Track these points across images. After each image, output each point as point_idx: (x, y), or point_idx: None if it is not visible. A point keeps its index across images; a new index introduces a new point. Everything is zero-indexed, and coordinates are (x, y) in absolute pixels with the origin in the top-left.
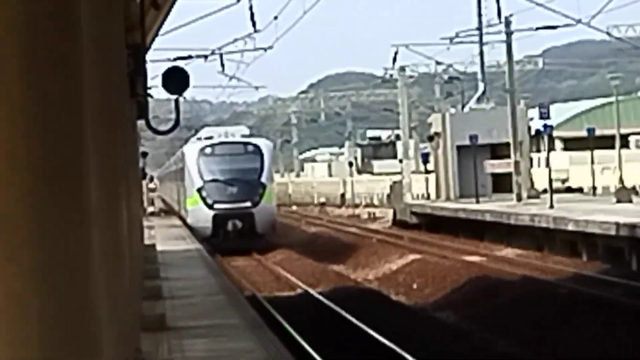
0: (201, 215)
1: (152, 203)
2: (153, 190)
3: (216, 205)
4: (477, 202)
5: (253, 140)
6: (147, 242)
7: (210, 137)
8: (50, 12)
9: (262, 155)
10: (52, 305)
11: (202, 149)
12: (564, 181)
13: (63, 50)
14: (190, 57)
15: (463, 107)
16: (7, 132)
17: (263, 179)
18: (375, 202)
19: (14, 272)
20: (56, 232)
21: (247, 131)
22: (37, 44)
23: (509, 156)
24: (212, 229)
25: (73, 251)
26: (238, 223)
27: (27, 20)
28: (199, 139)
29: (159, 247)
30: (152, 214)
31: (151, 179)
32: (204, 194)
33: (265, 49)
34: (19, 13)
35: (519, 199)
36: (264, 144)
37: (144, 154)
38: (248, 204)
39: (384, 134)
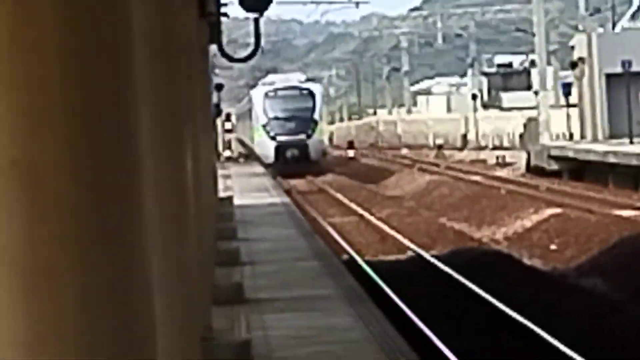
0: (265, 146)
1: (228, 146)
2: (230, 130)
3: (278, 138)
4: (631, 142)
5: (307, 84)
6: (221, 195)
7: (273, 83)
8: None
9: (314, 97)
10: (90, 276)
11: (266, 93)
12: None
13: None
14: None
15: (614, 25)
16: (40, 70)
17: (315, 117)
18: (505, 143)
19: (42, 236)
20: (95, 186)
21: (303, 77)
22: None
23: None
24: (274, 157)
25: (117, 210)
26: (295, 152)
27: None
28: (264, 84)
29: (236, 201)
30: (229, 159)
31: (227, 117)
32: (267, 128)
33: None
34: None
35: None
36: (316, 87)
37: (219, 87)
38: (303, 136)
39: (516, 60)
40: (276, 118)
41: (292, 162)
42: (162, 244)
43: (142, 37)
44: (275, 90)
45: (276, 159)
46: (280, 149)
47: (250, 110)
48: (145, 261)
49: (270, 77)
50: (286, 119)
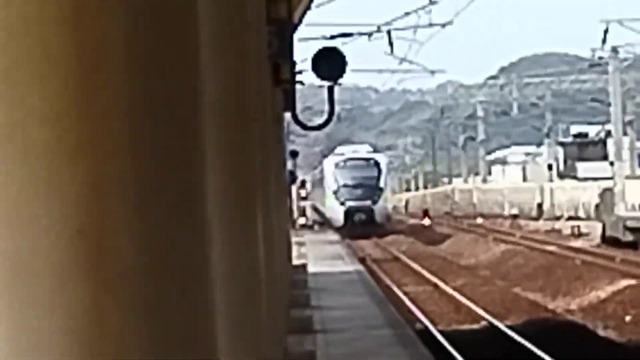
0: (336, 211)
1: (303, 213)
2: (305, 197)
3: (347, 203)
4: None
5: (373, 155)
6: (295, 262)
7: (343, 154)
8: None
9: (379, 167)
10: (155, 343)
11: (337, 162)
12: None
13: (174, 27)
14: (350, 34)
15: None
16: (108, 137)
17: (380, 184)
18: (581, 214)
19: (108, 304)
20: (161, 255)
21: (370, 149)
22: (137, 25)
23: None
24: (344, 220)
25: (185, 278)
26: (362, 216)
27: None
28: (335, 154)
29: (310, 269)
30: (304, 226)
31: (302, 184)
32: (337, 195)
33: (443, 25)
34: None
35: None
36: (381, 158)
37: (294, 154)
38: (369, 202)
39: (592, 130)
40: (345, 185)
41: (360, 225)
42: (231, 311)
43: (213, 104)
44: (345, 160)
45: (345, 222)
46: (349, 213)
47: (322, 178)
48: (213, 330)
49: (340, 149)
50: (354, 186)
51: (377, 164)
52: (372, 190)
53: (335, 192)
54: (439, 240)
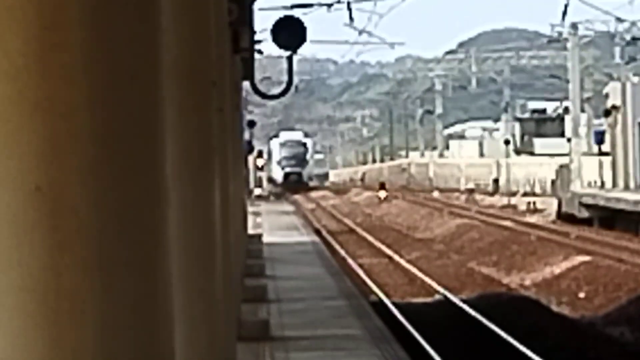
0: (278, 173)
1: (259, 184)
2: (261, 168)
3: (285, 169)
4: None
5: (304, 139)
6: (251, 232)
7: (284, 137)
8: None
9: (306, 148)
10: (112, 303)
11: (280, 143)
12: None
13: None
14: (310, 5)
15: None
16: (67, 95)
17: (307, 158)
18: (537, 189)
19: (64, 262)
20: (118, 214)
21: (302, 134)
22: None
23: None
24: (283, 179)
25: (141, 239)
26: (295, 176)
27: None
28: (279, 137)
29: (266, 239)
30: (260, 197)
31: (259, 154)
32: (280, 163)
33: None
34: None
35: None
36: (308, 141)
37: (251, 123)
38: (299, 169)
39: (550, 106)
40: (285, 157)
41: (293, 183)
42: (186, 276)
43: (172, 67)
44: (285, 141)
45: (284, 180)
46: (286, 175)
47: (270, 152)
48: (168, 291)
49: (282, 133)
50: (290, 158)
51: (305, 145)
52: (302, 161)
53: (278, 162)
54: (395, 212)
